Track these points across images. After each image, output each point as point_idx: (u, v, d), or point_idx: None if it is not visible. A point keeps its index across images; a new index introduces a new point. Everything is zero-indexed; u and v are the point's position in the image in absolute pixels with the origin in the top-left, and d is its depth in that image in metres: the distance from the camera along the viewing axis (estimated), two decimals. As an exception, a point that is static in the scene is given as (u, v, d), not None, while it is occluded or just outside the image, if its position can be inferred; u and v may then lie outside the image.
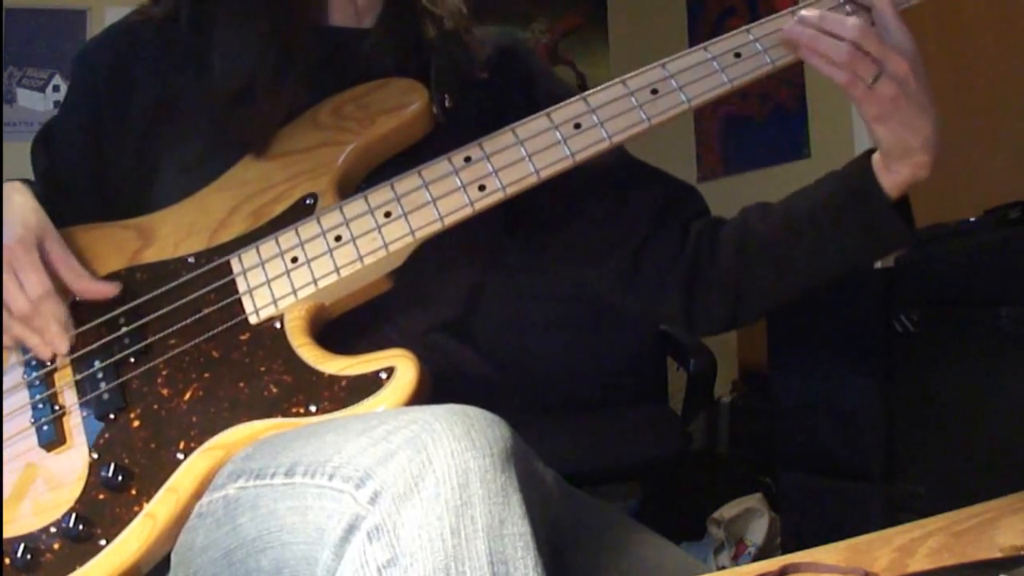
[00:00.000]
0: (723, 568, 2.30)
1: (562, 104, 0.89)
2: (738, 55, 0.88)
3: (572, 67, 3.81)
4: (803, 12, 0.86)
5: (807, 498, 2.32)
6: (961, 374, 1.92)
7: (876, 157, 0.90)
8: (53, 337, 0.86)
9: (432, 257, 0.90)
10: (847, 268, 0.95)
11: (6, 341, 0.88)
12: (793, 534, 2.36)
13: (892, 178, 0.88)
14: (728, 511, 2.56)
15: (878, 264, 2.76)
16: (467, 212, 0.87)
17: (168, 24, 0.98)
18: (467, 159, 0.87)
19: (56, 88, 3.02)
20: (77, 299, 0.89)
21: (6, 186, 0.92)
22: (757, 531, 2.52)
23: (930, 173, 0.87)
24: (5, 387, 0.89)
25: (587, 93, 0.89)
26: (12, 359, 0.90)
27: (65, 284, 0.87)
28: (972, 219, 2.09)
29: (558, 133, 0.87)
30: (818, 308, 2.31)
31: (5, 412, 0.87)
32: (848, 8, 0.86)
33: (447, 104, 0.93)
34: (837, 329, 2.26)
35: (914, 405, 2.04)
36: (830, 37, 0.83)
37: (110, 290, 0.88)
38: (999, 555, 0.74)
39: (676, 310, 1.02)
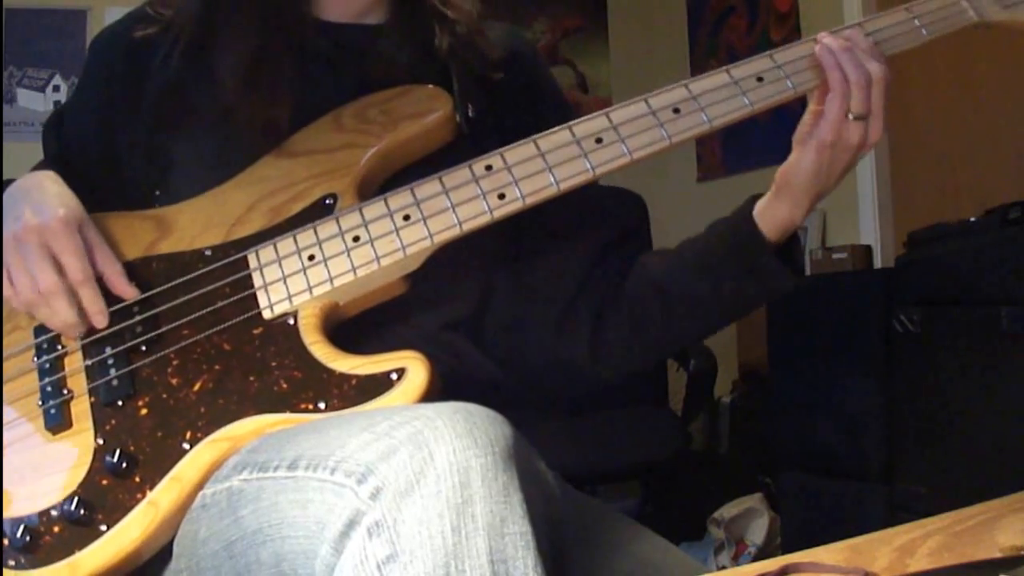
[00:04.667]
0: (723, 568, 2.31)
1: (585, 119, 0.89)
2: (760, 79, 0.90)
3: (572, 67, 3.81)
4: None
5: (807, 498, 2.33)
6: (961, 374, 1.92)
7: (760, 203, 0.92)
8: (96, 314, 0.86)
9: (445, 257, 0.90)
10: (734, 313, 0.98)
11: (36, 318, 0.88)
12: (793, 534, 2.36)
13: (771, 217, 0.91)
14: (728, 511, 2.57)
15: (878, 264, 2.78)
16: (486, 219, 0.87)
17: (177, 20, 0.98)
18: (488, 168, 0.88)
19: (56, 88, 3.02)
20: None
21: (37, 175, 0.92)
22: (757, 531, 2.53)
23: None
24: (15, 370, 0.89)
25: (609, 109, 0.89)
26: (22, 341, 0.91)
27: (98, 270, 0.88)
28: (972, 219, 2.09)
29: (579, 147, 0.88)
30: (818, 308, 2.31)
31: (14, 395, 0.88)
32: None
33: (470, 113, 0.94)
34: (837, 329, 2.26)
35: (914, 405, 2.04)
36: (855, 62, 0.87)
37: (132, 292, 0.88)
38: (999, 555, 0.73)
39: (585, 352, 1.02)
